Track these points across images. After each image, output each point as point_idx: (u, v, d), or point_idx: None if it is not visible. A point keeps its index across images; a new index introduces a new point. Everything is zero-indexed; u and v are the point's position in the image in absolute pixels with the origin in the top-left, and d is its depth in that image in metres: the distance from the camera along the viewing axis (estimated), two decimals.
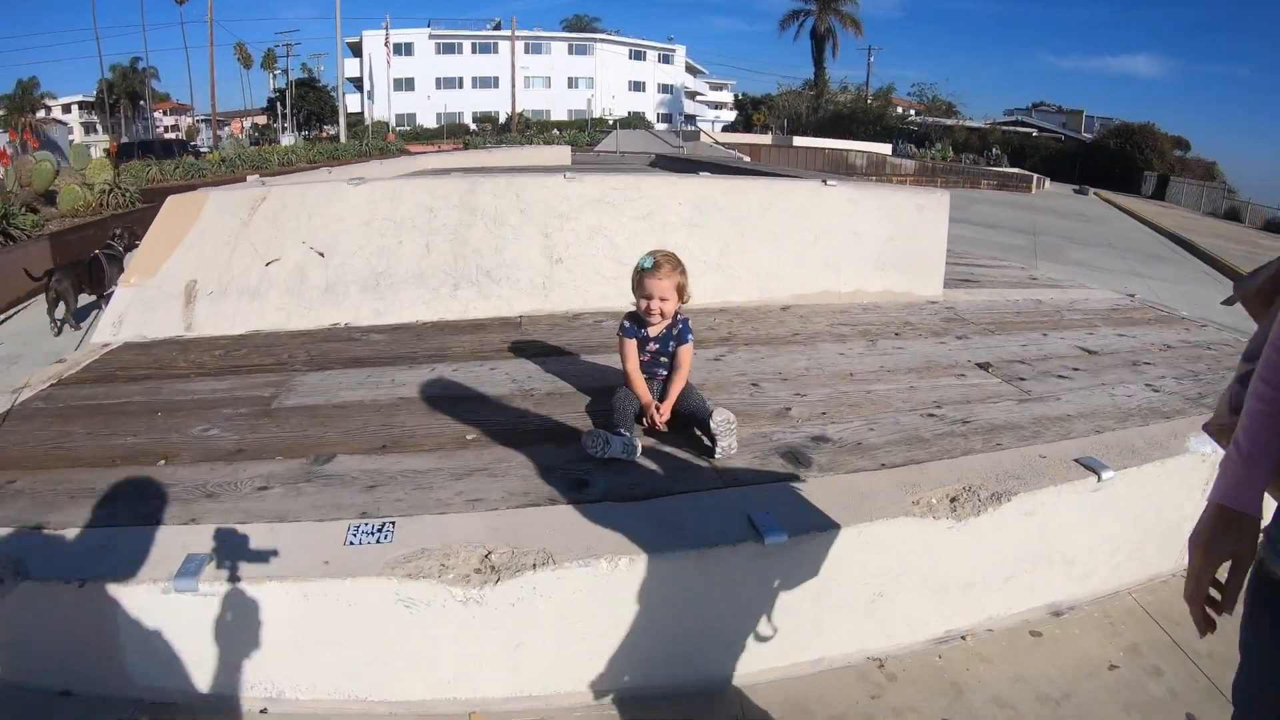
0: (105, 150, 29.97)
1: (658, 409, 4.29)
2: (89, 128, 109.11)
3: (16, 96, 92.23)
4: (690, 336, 4.47)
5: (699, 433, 4.22)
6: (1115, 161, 62.72)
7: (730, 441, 4.02)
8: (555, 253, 7.04)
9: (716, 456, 4.00)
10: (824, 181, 7.73)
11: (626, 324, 4.47)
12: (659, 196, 7.30)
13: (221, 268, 6.47)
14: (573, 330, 6.39)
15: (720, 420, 4.01)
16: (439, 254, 6.81)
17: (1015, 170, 54.91)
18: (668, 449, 4.15)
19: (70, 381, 5.24)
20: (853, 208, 7.74)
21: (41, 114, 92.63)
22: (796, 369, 5.47)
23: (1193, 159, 68.00)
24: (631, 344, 4.44)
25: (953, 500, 3.67)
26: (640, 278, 4.29)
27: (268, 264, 6.52)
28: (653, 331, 4.43)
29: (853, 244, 7.69)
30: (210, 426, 4.41)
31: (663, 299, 4.29)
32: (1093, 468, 3.92)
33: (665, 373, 4.47)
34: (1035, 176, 50.65)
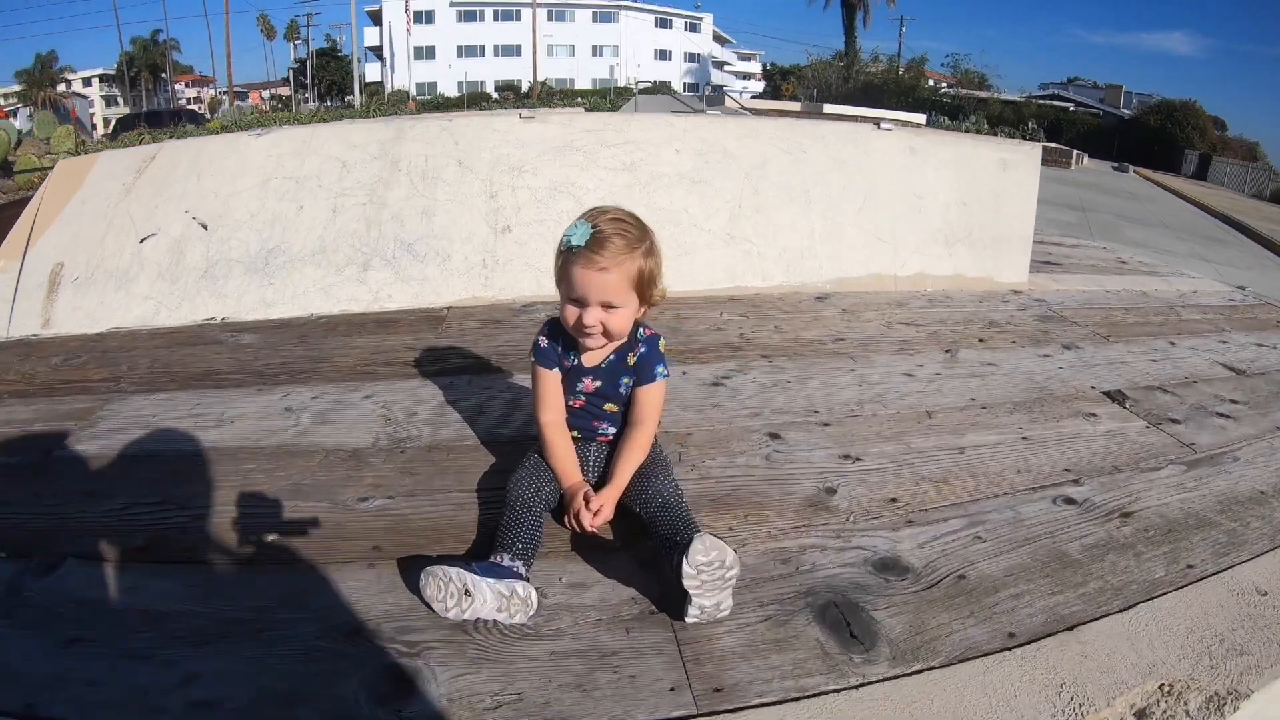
0: (69, 116, 28.73)
1: (588, 503, 2.45)
2: (110, 100, 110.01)
3: (35, 70, 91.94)
4: (661, 369, 2.65)
5: (664, 555, 2.31)
6: (1155, 138, 61.48)
7: (719, 600, 2.14)
8: (502, 219, 5.41)
9: (689, 619, 2.14)
10: (876, 124, 6.00)
11: (543, 342, 2.65)
12: (648, 141, 5.57)
13: (94, 247, 5.23)
14: (514, 329, 4.76)
15: (703, 563, 2.09)
16: (347, 221, 5.32)
17: (1054, 145, 54.05)
18: (599, 584, 2.38)
19: None
20: (914, 161, 5.94)
21: (61, 88, 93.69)
22: (843, 403, 3.71)
23: (1234, 139, 67.30)
24: (551, 379, 2.64)
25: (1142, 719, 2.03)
26: (566, 263, 2.47)
27: (142, 240, 5.23)
28: (590, 359, 2.64)
29: (913, 210, 5.93)
30: None
31: (607, 305, 2.47)
32: None
33: (613, 431, 2.70)
34: (1074, 152, 49.46)
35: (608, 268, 2.39)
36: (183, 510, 2.76)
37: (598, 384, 2.62)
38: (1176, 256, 17.75)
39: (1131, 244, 18.12)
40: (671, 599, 2.21)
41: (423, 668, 2.00)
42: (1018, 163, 6.20)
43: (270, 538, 2.57)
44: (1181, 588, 2.45)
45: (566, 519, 2.50)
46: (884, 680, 2.00)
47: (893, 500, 2.84)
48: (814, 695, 1.96)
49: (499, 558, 2.23)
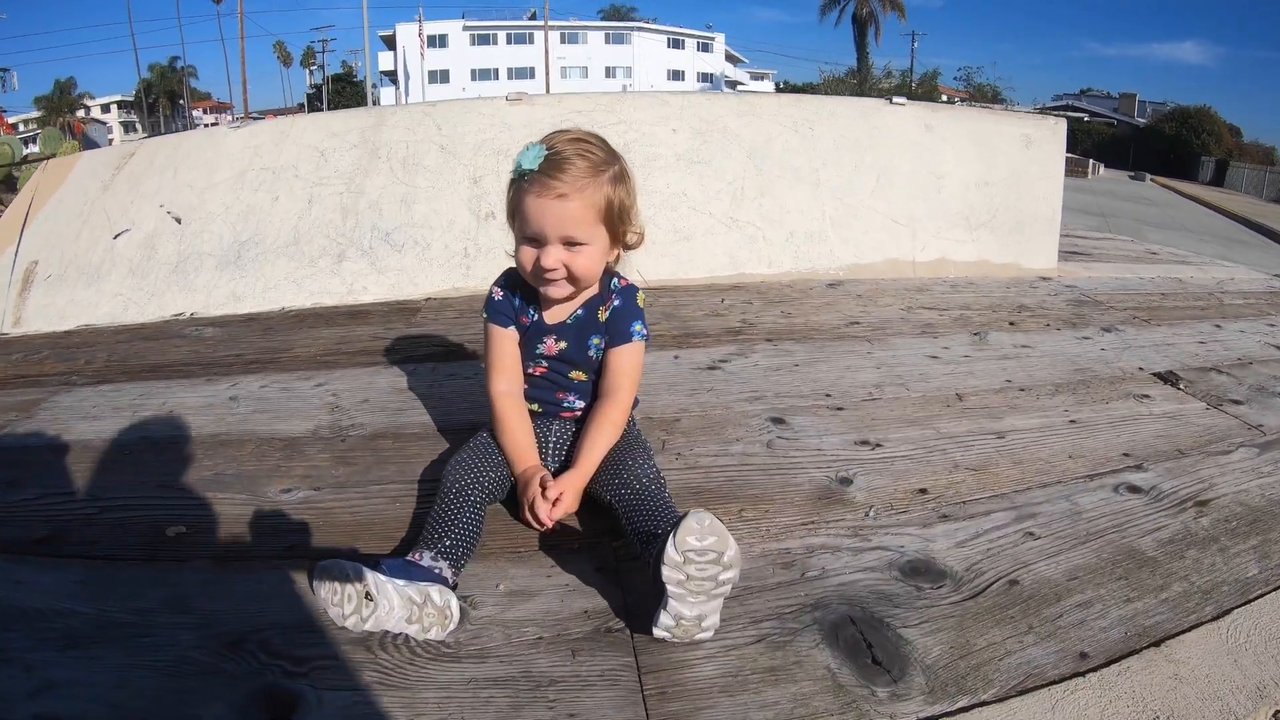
0: (72, 131, 28.69)
1: (545, 491, 2.02)
2: (128, 127, 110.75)
3: (54, 96, 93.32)
4: (639, 326, 2.27)
5: (641, 551, 1.86)
6: (1171, 146, 61.55)
7: (703, 611, 1.67)
8: (486, 205, 5.09)
9: (658, 632, 1.67)
10: (889, 99, 5.59)
11: (497, 294, 2.29)
12: (642, 121, 5.24)
13: (68, 244, 5.10)
14: None
15: (694, 549, 1.61)
16: (324, 211, 5.06)
17: (1069, 155, 53.90)
18: (545, 593, 1.92)
19: None
20: (930, 139, 5.52)
21: (80, 113, 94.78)
22: (858, 386, 3.28)
23: (1250, 144, 67.35)
24: (506, 338, 2.25)
25: None
26: (518, 193, 2.08)
27: (115, 236, 5.08)
28: (553, 315, 2.26)
29: (932, 191, 5.51)
30: None
31: (569, 241, 2.09)
32: None
33: (581, 406, 2.29)
34: (1090, 161, 49.53)
35: (567, 194, 2.00)
36: (94, 502, 2.50)
37: (562, 345, 2.21)
38: (1201, 257, 17.41)
39: (1156, 245, 17.95)
40: (639, 608, 1.77)
41: (306, 691, 1.57)
42: (1041, 139, 5.80)
43: (173, 531, 2.23)
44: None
45: (522, 513, 2.05)
46: None
47: (922, 491, 2.38)
48: None
49: (418, 555, 1.81)
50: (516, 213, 2.10)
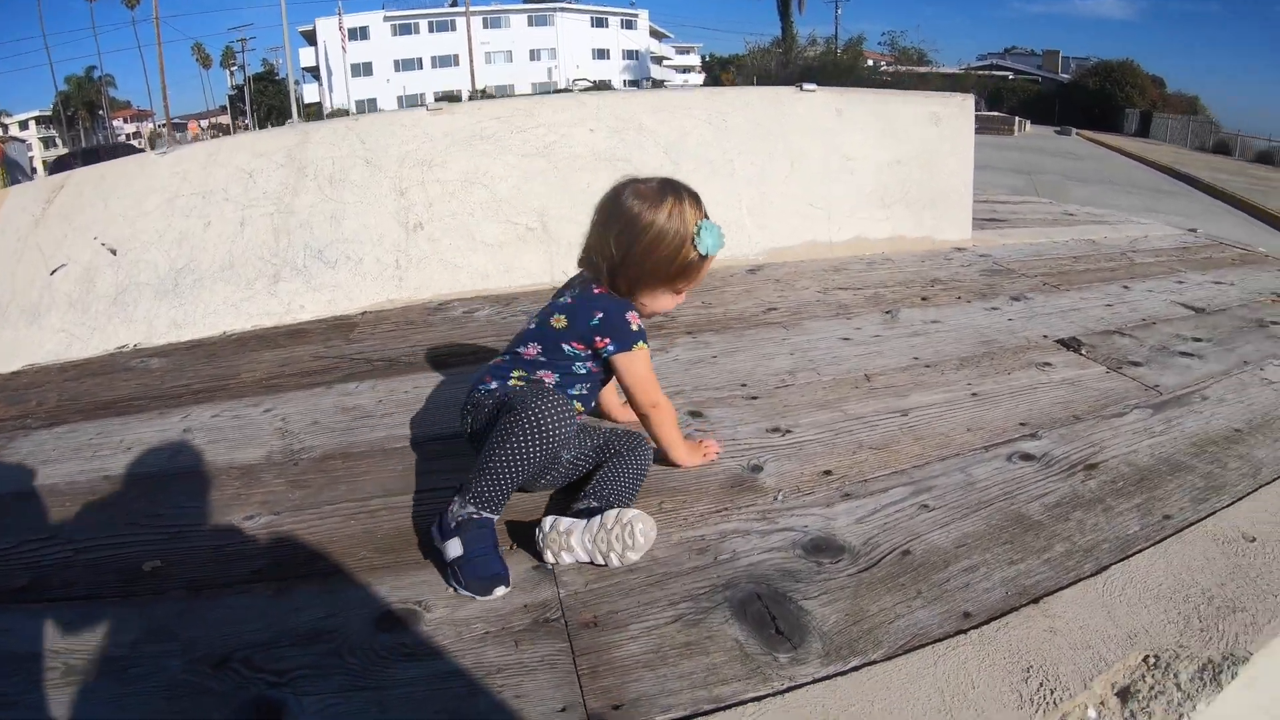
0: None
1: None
2: (48, 142, 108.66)
3: None
4: None
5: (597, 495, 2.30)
6: (1095, 101, 62.16)
7: (574, 559, 2.10)
8: (413, 216, 5.12)
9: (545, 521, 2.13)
10: (799, 87, 5.71)
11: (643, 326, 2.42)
12: (560, 123, 5.27)
13: (4, 283, 5.01)
14: (427, 328, 4.48)
15: (620, 531, 2.05)
16: (256, 233, 5.08)
17: (995, 113, 54.55)
18: None
19: None
20: (841, 123, 5.66)
21: None
22: (773, 374, 3.42)
23: (1174, 94, 68.26)
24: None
25: (1126, 699, 1.75)
26: (696, 264, 2.41)
27: (52, 272, 5.01)
28: None
29: (845, 173, 5.63)
30: None
31: None
32: None
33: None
34: (1016, 119, 49.84)
35: None
36: (68, 545, 2.56)
37: None
38: (1126, 211, 17.58)
39: (1081, 202, 18.10)
40: (571, 600, 1.99)
41: (289, 699, 1.74)
42: (949, 116, 5.97)
43: (149, 566, 2.34)
44: (1159, 541, 2.21)
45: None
46: (815, 682, 1.71)
47: (827, 473, 2.55)
48: (730, 706, 1.67)
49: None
50: (685, 275, 2.37)
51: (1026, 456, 2.64)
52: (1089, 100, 62.19)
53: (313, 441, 3.11)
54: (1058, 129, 51.34)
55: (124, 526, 2.62)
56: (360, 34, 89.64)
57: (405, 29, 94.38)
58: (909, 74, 79.66)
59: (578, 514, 2.16)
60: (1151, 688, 1.70)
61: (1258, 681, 1.79)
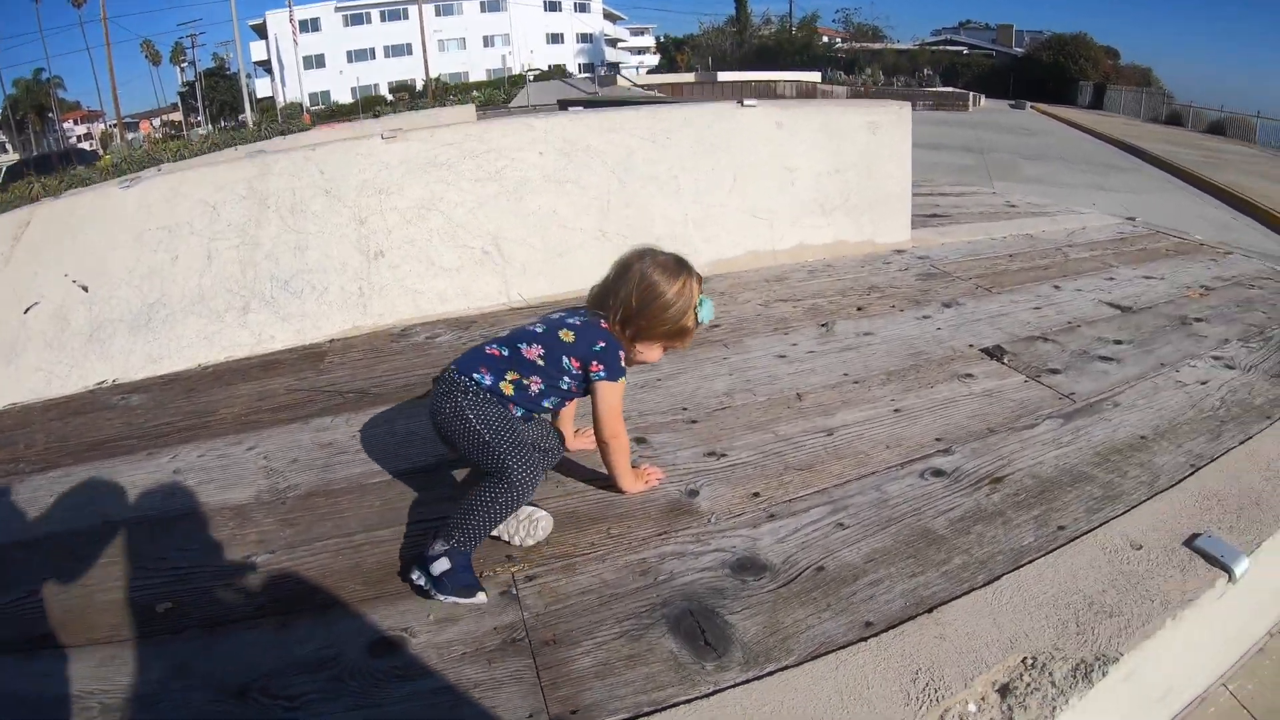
0: None
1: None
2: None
3: None
4: None
5: None
6: (1049, 74, 62.62)
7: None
8: (374, 244, 5.29)
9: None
10: (739, 103, 5.91)
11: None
12: (510, 147, 5.44)
13: None
14: (393, 356, 4.68)
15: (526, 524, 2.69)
16: (223, 265, 5.21)
17: (950, 89, 54.98)
18: (465, 617, 2.40)
19: None
20: (782, 134, 5.86)
21: None
22: (712, 395, 3.67)
23: (1127, 66, 68.68)
24: None
25: (1005, 695, 2.02)
26: (688, 330, 2.79)
27: (25, 310, 5.07)
28: None
29: (786, 184, 5.87)
30: None
31: None
32: (1219, 558, 2.42)
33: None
34: (970, 94, 50.07)
35: None
36: (82, 590, 2.75)
37: None
38: (1075, 189, 17.75)
39: (1029, 181, 18.31)
40: (534, 621, 2.30)
41: None
42: (887, 124, 6.15)
43: (162, 607, 2.55)
44: (1051, 552, 2.46)
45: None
46: (735, 686, 2.00)
47: (755, 495, 2.81)
48: (665, 708, 1.96)
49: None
50: (679, 336, 2.73)
51: (938, 473, 2.88)
52: (1043, 74, 62.75)
53: (296, 479, 3.31)
54: (1012, 103, 51.55)
55: (133, 570, 2.81)
56: (311, 26, 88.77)
57: (357, 19, 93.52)
58: (863, 50, 80.00)
59: None
60: (1028, 685, 1.96)
61: (1130, 677, 2.07)
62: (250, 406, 4.22)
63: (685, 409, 3.51)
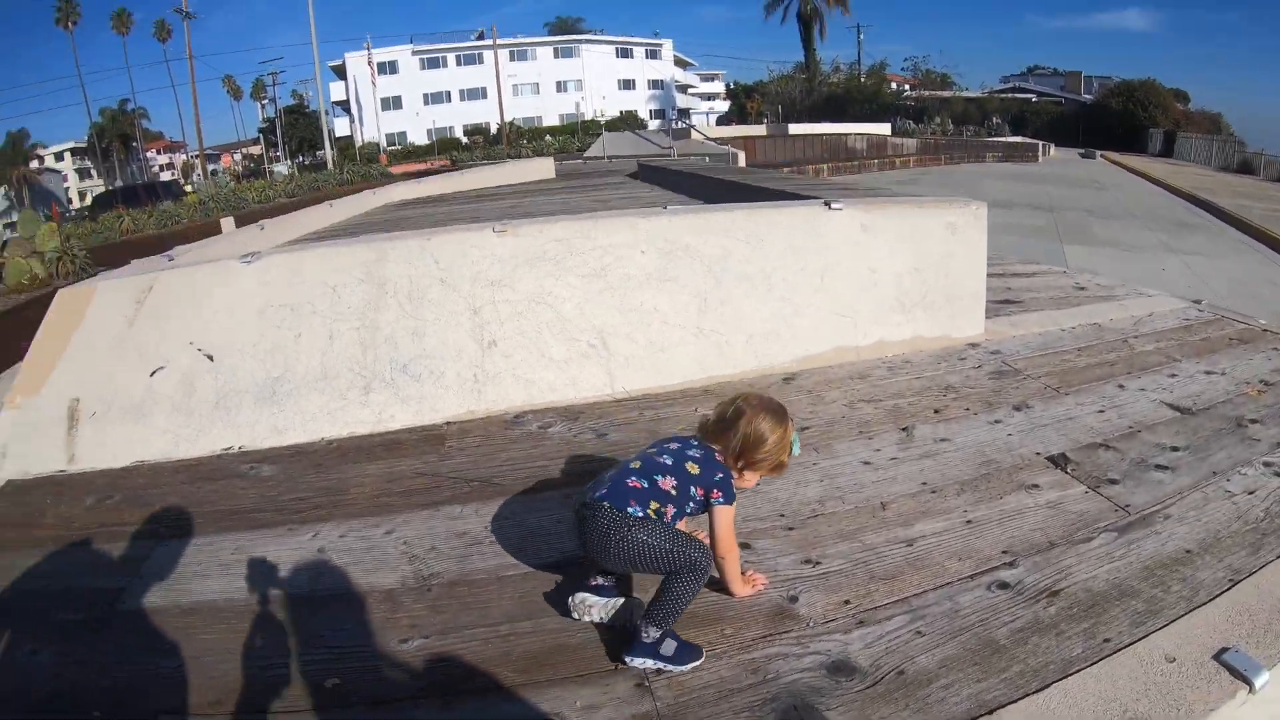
0: (46, 216, 28.76)
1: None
2: (83, 173, 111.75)
3: (6, 149, 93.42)
4: None
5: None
6: (1118, 121, 62.47)
7: None
8: (487, 334, 5.60)
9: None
10: (827, 205, 6.22)
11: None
12: (616, 245, 5.78)
13: (106, 381, 5.34)
14: (510, 445, 4.98)
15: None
16: (345, 346, 5.48)
17: (1019, 139, 54.83)
18: (607, 705, 2.82)
19: None
20: (866, 236, 6.19)
21: (34, 164, 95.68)
22: (805, 503, 4.01)
23: (1197, 112, 68.19)
24: None
25: None
26: (784, 463, 3.34)
27: (152, 374, 5.37)
28: None
29: (870, 283, 6.19)
30: (35, 650, 3.34)
31: None
32: (1242, 671, 2.73)
33: None
34: (1040, 144, 50.06)
35: None
36: (248, 662, 3.08)
37: None
38: (1145, 251, 18.05)
39: (1100, 244, 18.53)
40: (667, 710, 2.72)
41: None
42: (965, 224, 6.41)
43: (330, 684, 2.90)
44: (1096, 663, 2.79)
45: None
46: None
47: (846, 602, 3.21)
48: None
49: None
50: (775, 468, 3.27)
51: (1003, 585, 3.24)
52: (1113, 121, 62.63)
53: (438, 567, 3.65)
54: (1082, 152, 51.31)
55: (293, 646, 3.15)
56: (389, 68, 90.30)
57: (433, 63, 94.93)
58: (932, 98, 79.83)
59: (597, 590, 3.19)
60: None
61: None
62: (380, 488, 4.51)
63: (783, 515, 3.87)
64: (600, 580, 3.20)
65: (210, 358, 5.41)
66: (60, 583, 3.84)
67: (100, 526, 4.37)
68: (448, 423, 5.40)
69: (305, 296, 5.51)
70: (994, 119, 71.51)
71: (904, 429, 4.81)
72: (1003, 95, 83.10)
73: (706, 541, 3.13)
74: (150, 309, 5.47)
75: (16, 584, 3.85)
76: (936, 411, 5.05)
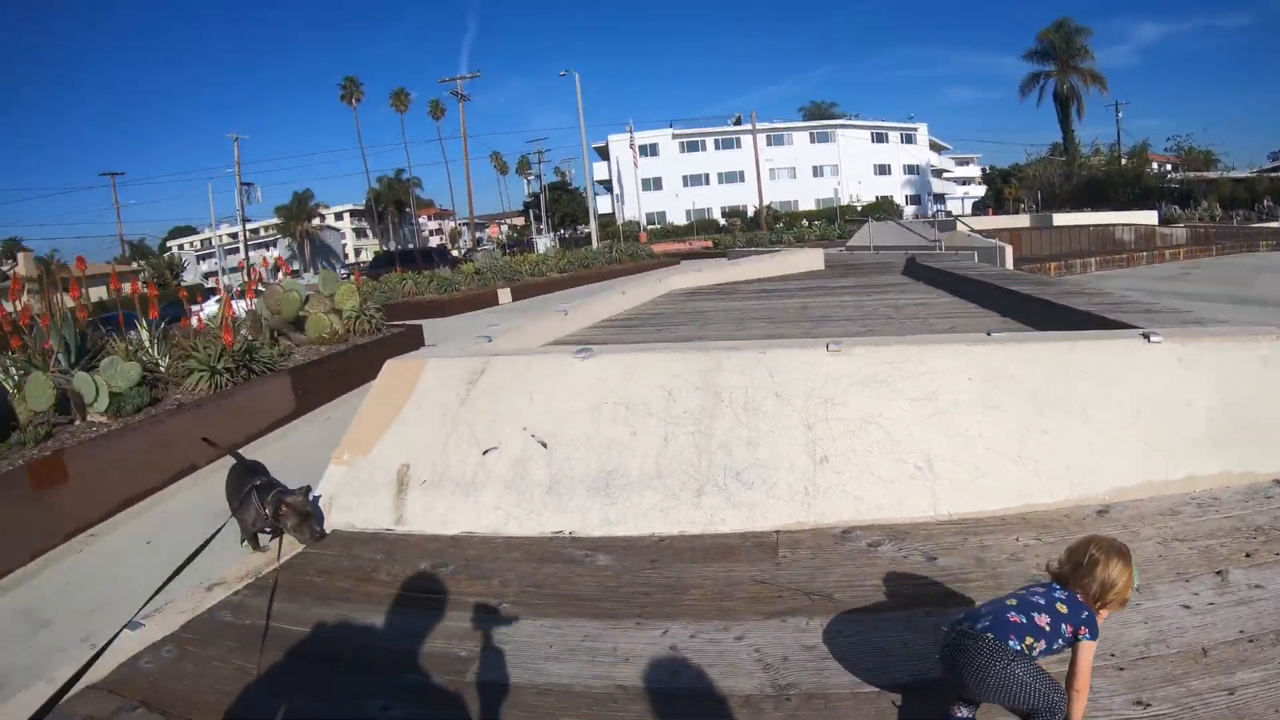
0: (348, 275, 30.94)
1: None
2: (359, 233, 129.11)
3: (293, 206, 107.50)
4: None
5: None
6: None
7: None
8: (819, 449, 5.89)
9: None
10: (1146, 337, 6.38)
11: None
12: (943, 370, 6.16)
13: (437, 452, 6.01)
14: (843, 561, 5.18)
15: None
16: (679, 449, 5.92)
17: None
18: None
19: (266, 583, 5.07)
20: (1182, 369, 6.26)
21: (316, 221, 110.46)
22: (1133, 644, 4.13)
23: None
24: None
25: None
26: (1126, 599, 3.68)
27: (485, 452, 5.98)
28: None
29: (1183, 416, 6.17)
30: (387, 705, 3.83)
31: None
32: None
33: None
34: None
35: None
36: None
37: None
38: None
39: None
40: None
41: None
42: (1277, 357, 6.36)
43: None
44: None
45: None
46: None
47: None
48: None
49: None
50: (1120, 605, 3.61)
51: None
52: None
53: (793, 678, 3.87)
54: None
55: None
56: (650, 150, 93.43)
57: (693, 146, 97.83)
58: (1198, 180, 77.16)
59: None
60: None
61: None
62: (720, 591, 4.80)
63: (1113, 655, 3.98)
64: (964, 712, 3.54)
65: (544, 445, 5.91)
66: (407, 644, 4.31)
67: (440, 593, 4.89)
68: (777, 531, 5.63)
69: (641, 397, 5.96)
70: (1265, 201, 68.66)
71: (1218, 572, 4.82)
72: (1272, 175, 79.69)
73: None
74: (483, 389, 6.07)
75: (362, 638, 4.38)
76: (1248, 555, 5.02)
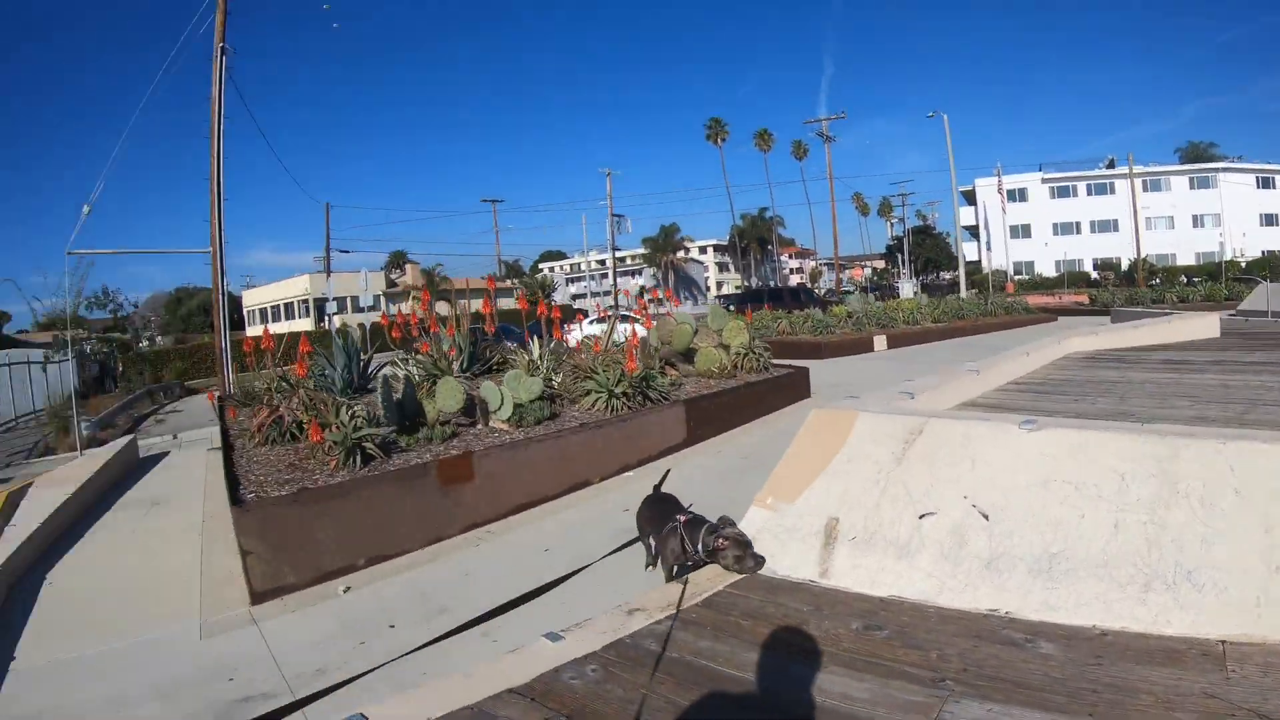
0: (739, 314, 31.82)
1: None
2: (721, 267, 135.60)
3: (659, 238, 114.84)
4: None
5: None
6: None
7: None
8: (1277, 557, 5.19)
9: None
10: None
11: None
12: None
13: (869, 510, 5.90)
14: None
15: None
16: (1129, 538, 5.43)
17: None
18: None
19: (689, 618, 5.15)
20: None
21: (680, 254, 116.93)
22: None
23: None
24: None
25: None
26: None
27: (921, 516, 5.79)
28: None
29: None
30: None
31: None
32: None
33: None
34: None
35: None
36: None
37: None
38: None
39: None
40: None
41: None
42: None
43: None
44: None
45: None
46: None
47: None
48: None
49: None
50: None
51: None
52: None
53: None
54: None
55: None
56: (1019, 195, 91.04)
57: (1063, 191, 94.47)
58: None
59: None
60: None
61: None
62: (1169, 700, 4.26)
63: None
64: None
65: (985, 516, 5.65)
66: (849, 707, 4.18)
67: (878, 659, 4.69)
68: (1223, 640, 5.06)
69: (1091, 478, 5.58)
70: None
71: None
72: None
73: None
74: (919, 452, 5.94)
75: (801, 692, 4.31)
76: None
